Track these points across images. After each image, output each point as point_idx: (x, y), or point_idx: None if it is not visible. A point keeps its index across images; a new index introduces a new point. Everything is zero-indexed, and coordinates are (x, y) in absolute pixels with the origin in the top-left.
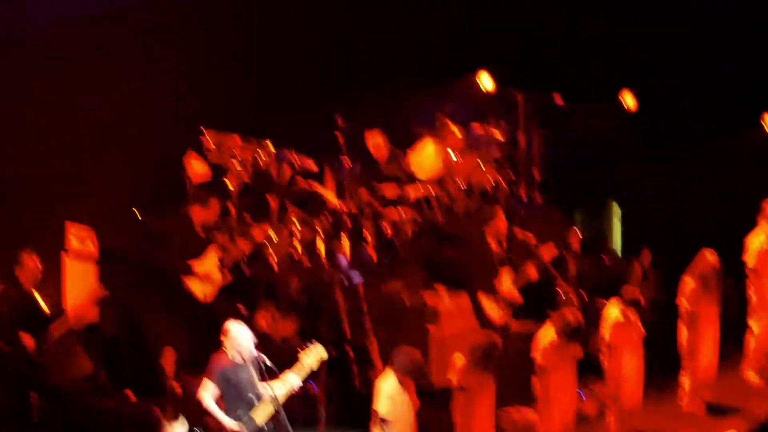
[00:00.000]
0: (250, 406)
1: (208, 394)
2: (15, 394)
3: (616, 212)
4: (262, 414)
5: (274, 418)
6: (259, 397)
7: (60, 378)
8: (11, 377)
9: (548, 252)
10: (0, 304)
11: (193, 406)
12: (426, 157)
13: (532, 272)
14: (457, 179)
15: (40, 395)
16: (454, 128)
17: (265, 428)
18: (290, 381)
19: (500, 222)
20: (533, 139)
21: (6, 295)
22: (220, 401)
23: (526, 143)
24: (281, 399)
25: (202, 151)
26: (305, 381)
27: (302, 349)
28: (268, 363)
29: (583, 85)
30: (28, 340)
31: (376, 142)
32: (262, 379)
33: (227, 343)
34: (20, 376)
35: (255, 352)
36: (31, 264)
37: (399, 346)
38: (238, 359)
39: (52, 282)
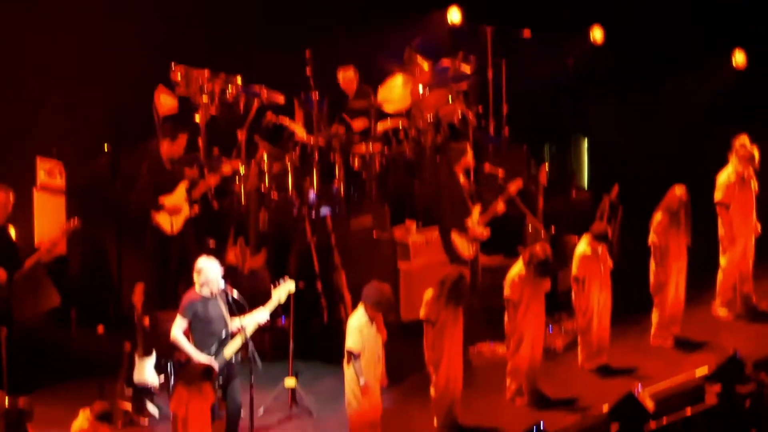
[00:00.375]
0: (219, 339)
1: (178, 329)
2: None
3: (585, 147)
4: (231, 347)
5: (244, 351)
6: (227, 330)
7: (29, 311)
8: None
9: (516, 186)
10: None
11: (163, 340)
12: (394, 91)
13: (500, 206)
14: (425, 113)
15: (9, 329)
16: (423, 62)
17: (234, 361)
18: (259, 315)
19: (468, 157)
20: (501, 73)
21: None
22: (190, 335)
23: (494, 77)
24: (249, 332)
25: (171, 87)
26: (275, 315)
27: (273, 284)
28: (237, 296)
29: (552, 19)
30: (0, 274)
31: (347, 76)
32: (231, 312)
33: (196, 277)
34: None
35: (223, 286)
36: (2, 198)
37: (368, 281)
38: (206, 293)
39: (21, 216)
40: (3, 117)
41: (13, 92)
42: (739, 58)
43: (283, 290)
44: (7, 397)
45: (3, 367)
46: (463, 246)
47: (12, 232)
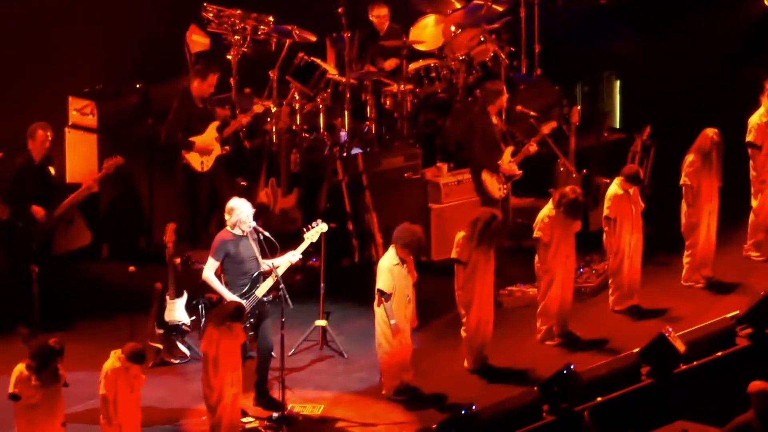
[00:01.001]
0: (251, 278)
1: (210, 269)
2: (21, 264)
3: (617, 88)
4: (262, 287)
5: (275, 292)
6: (259, 270)
7: (61, 249)
8: (19, 248)
9: (550, 127)
10: (15, 175)
11: (194, 280)
12: (426, 30)
13: (533, 147)
14: (457, 52)
15: (48, 266)
16: (455, 1)
17: (266, 300)
18: (290, 255)
19: (504, 98)
20: (534, 12)
21: (19, 166)
22: (221, 275)
23: (527, 17)
24: (281, 272)
25: (203, 26)
26: (306, 255)
27: (305, 227)
28: (268, 235)
29: None
30: (38, 211)
31: (379, 14)
32: (263, 252)
33: (228, 217)
34: (28, 246)
35: (254, 225)
36: (41, 135)
37: (399, 221)
38: (238, 232)
39: (54, 155)
40: (35, 57)
41: (45, 32)
42: None
43: (316, 232)
44: (38, 335)
45: (35, 305)
46: (494, 186)
47: (52, 170)
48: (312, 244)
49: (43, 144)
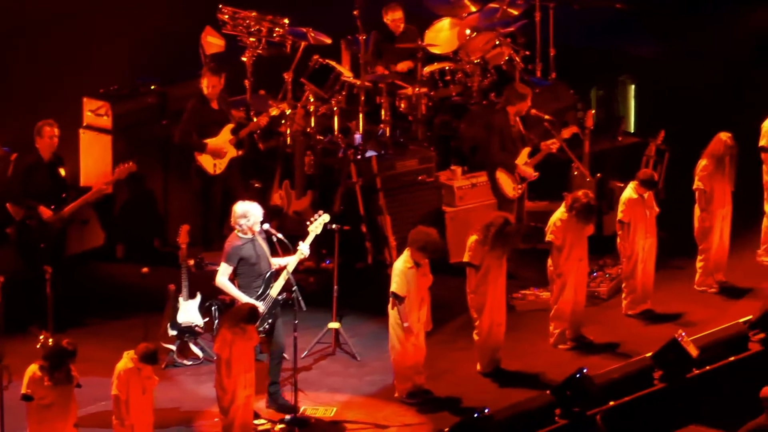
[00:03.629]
0: (264, 280)
1: (223, 275)
2: (33, 265)
3: (632, 92)
4: (276, 287)
5: (288, 293)
6: (271, 270)
7: (74, 250)
8: (29, 248)
9: (570, 132)
10: (23, 174)
11: (207, 281)
12: (441, 33)
13: (553, 147)
14: (472, 56)
15: (55, 266)
16: (471, 4)
17: (280, 300)
18: (299, 250)
19: (527, 101)
20: (549, 16)
21: (28, 165)
22: (234, 278)
23: (542, 20)
24: (291, 268)
25: (219, 28)
26: (320, 258)
27: (309, 219)
28: (280, 236)
29: None
30: (45, 212)
31: (394, 17)
32: (274, 252)
33: (241, 221)
34: (37, 246)
35: (265, 226)
36: (48, 131)
37: (413, 224)
38: (249, 236)
39: (68, 156)
40: (50, 58)
41: (61, 32)
42: None
43: (319, 224)
44: (50, 336)
45: (48, 305)
46: (508, 185)
47: (62, 171)
48: (326, 247)
49: (51, 140)
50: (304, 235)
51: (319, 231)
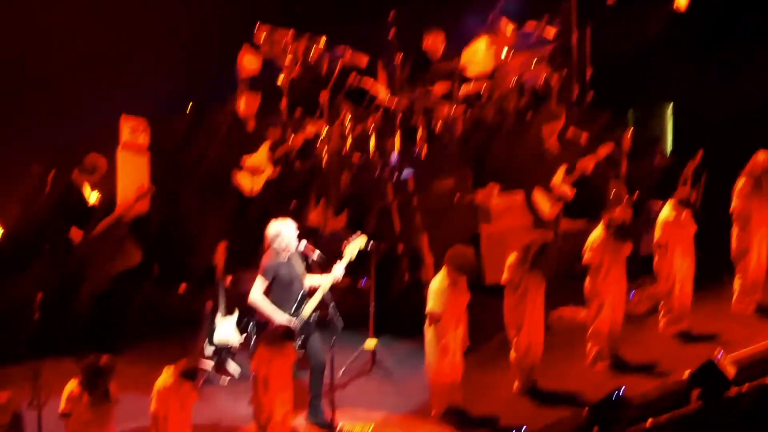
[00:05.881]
0: (298, 298)
1: (258, 291)
2: (62, 289)
3: (669, 112)
4: (309, 306)
5: (324, 311)
6: (303, 290)
7: (110, 270)
8: (59, 271)
9: (606, 150)
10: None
11: (244, 300)
12: (478, 54)
13: (589, 166)
14: (508, 77)
15: (87, 288)
16: (507, 25)
17: (311, 319)
18: (334, 271)
19: (561, 122)
20: (586, 37)
21: (54, 188)
22: (269, 296)
23: (579, 42)
24: (326, 288)
25: (256, 47)
26: (356, 276)
27: (347, 240)
28: (317, 255)
29: None
30: (75, 233)
31: (435, 40)
32: (309, 271)
33: (277, 241)
34: (66, 269)
35: (300, 246)
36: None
37: (450, 244)
38: (285, 254)
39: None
40: (89, 77)
41: (99, 52)
42: None
43: (355, 245)
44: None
45: (87, 325)
46: (545, 205)
47: (87, 191)
48: (363, 266)
49: (96, 172)
50: (339, 254)
51: (354, 255)
